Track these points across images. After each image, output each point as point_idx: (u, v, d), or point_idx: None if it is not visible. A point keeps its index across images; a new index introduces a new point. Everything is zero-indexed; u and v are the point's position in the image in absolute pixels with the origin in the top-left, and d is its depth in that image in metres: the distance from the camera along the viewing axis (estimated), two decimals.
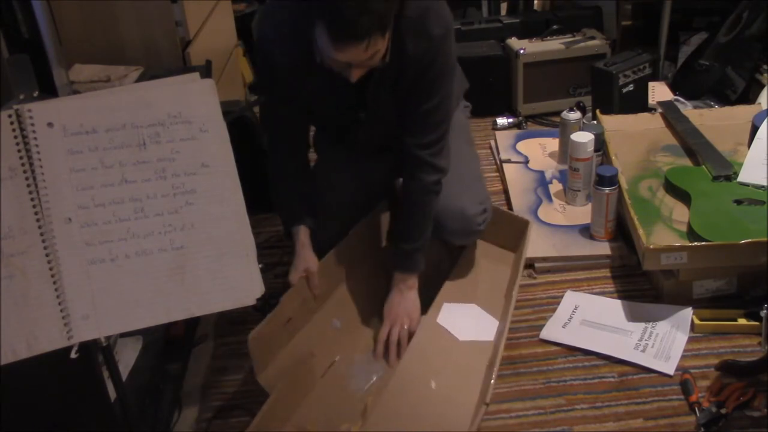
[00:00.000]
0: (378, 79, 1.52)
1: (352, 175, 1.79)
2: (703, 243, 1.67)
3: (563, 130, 2.33)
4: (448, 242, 1.79)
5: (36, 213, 1.00)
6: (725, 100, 2.54)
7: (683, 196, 1.89)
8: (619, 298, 1.81)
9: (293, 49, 1.48)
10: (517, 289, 1.64)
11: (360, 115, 1.63)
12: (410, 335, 1.61)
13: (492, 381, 1.36)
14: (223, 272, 1.06)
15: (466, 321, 1.62)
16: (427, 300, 1.69)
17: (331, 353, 1.59)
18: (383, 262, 1.79)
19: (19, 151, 1.00)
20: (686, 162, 2.06)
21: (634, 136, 2.19)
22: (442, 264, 1.82)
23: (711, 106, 2.49)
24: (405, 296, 1.66)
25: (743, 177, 1.90)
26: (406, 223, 1.67)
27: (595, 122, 2.22)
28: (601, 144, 2.10)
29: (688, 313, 1.70)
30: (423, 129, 1.58)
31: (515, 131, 2.66)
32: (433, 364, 1.50)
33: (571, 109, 2.34)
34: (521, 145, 2.50)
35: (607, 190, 1.89)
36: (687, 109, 2.38)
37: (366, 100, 1.57)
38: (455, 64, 1.62)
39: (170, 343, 1.63)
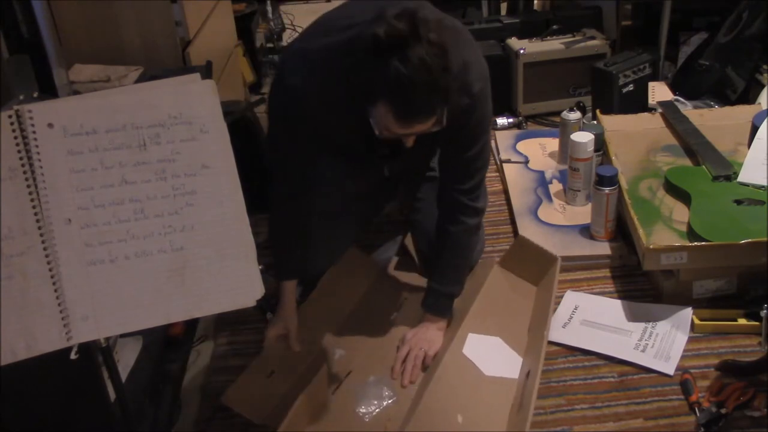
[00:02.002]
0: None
1: (346, 208, 1.78)
2: (703, 243, 1.67)
3: (563, 130, 2.33)
4: None
5: (36, 214, 1.00)
6: (725, 100, 2.54)
7: (683, 196, 1.89)
8: (619, 298, 1.81)
9: (326, 102, 1.43)
10: (548, 331, 1.59)
11: (389, 165, 1.64)
12: (427, 361, 1.59)
13: (527, 423, 1.32)
14: (223, 273, 1.05)
15: (492, 355, 1.59)
16: None
17: (341, 372, 1.59)
18: (379, 291, 1.82)
19: (19, 151, 1.00)
20: (686, 162, 2.06)
21: (634, 136, 2.19)
22: None
23: (711, 106, 2.49)
24: (431, 330, 1.64)
25: (743, 177, 1.90)
26: (444, 263, 1.66)
27: (595, 122, 2.22)
28: (601, 144, 2.10)
29: (688, 313, 1.70)
30: (465, 175, 1.58)
31: (515, 131, 2.66)
32: (459, 397, 1.48)
33: (571, 109, 2.34)
34: (521, 145, 2.50)
35: (607, 190, 1.89)
36: (687, 109, 2.38)
37: (400, 151, 1.52)
38: (491, 107, 1.58)
39: (170, 343, 1.63)
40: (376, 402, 1.51)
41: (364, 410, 1.50)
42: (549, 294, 1.68)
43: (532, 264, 1.81)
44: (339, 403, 1.51)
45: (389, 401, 1.52)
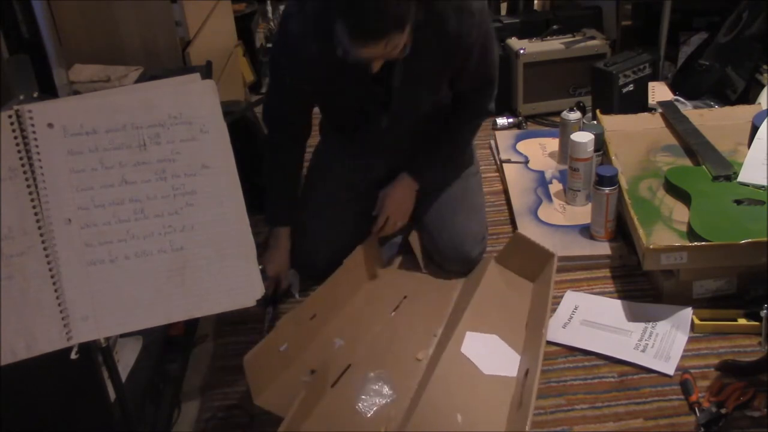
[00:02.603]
0: (404, 68, 1.59)
1: (347, 198, 1.86)
2: (703, 243, 1.67)
3: (563, 130, 2.33)
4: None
5: (36, 214, 1.00)
6: (725, 100, 2.54)
7: (683, 196, 1.89)
8: (619, 298, 1.81)
9: (318, 44, 1.54)
10: (546, 330, 1.57)
11: (382, 113, 1.70)
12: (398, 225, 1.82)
13: (528, 422, 1.31)
14: (223, 273, 1.06)
15: (490, 353, 1.59)
16: None
17: (340, 365, 1.59)
18: (380, 287, 1.83)
19: (19, 151, 1.00)
20: (686, 162, 2.06)
21: (634, 136, 2.19)
22: None
23: (711, 106, 2.49)
24: (405, 194, 1.79)
25: (743, 177, 1.90)
26: (437, 146, 1.79)
27: (595, 122, 2.22)
28: (601, 144, 2.10)
29: (688, 313, 1.70)
30: (476, 79, 1.74)
31: (515, 131, 2.66)
32: (458, 397, 1.47)
33: (571, 109, 2.34)
34: (521, 145, 2.50)
35: (607, 190, 1.89)
36: (687, 109, 2.38)
37: (391, 91, 1.64)
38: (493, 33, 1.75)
39: (170, 343, 1.63)
40: (375, 399, 1.52)
41: (362, 407, 1.50)
42: (546, 290, 1.67)
43: (528, 260, 1.81)
44: (338, 398, 1.51)
45: (388, 399, 1.52)
